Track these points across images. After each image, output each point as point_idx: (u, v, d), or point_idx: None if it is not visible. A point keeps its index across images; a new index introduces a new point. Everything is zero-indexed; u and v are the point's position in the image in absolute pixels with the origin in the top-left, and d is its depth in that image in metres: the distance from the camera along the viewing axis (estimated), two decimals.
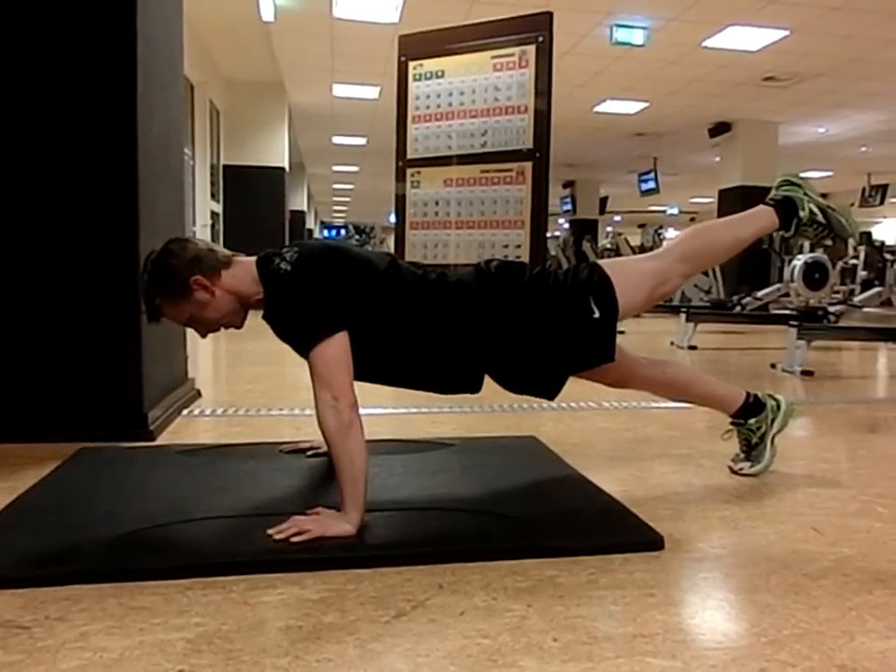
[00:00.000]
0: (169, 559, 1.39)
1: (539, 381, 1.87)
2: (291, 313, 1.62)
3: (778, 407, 2.07)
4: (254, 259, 1.71)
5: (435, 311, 1.74)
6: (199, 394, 3.18)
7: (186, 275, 1.63)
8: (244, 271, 1.69)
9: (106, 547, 1.43)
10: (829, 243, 2.05)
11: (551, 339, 1.78)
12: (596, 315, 1.76)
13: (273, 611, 1.21)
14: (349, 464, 1.51)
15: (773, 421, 2.06)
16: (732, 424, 2.08)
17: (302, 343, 1.60)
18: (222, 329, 1.75)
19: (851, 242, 2.11)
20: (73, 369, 2.39)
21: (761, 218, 2.00)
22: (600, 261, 1.91)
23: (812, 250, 7.63)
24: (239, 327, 1.75)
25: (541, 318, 1.77)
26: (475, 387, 1.82)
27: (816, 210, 1.99)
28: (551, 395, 1.88)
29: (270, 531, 1.46)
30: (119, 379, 2.42)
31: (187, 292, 1.64)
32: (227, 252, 1.74)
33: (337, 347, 1.58)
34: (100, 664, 1.05)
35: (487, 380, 1.85)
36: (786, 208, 1.99)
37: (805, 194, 2.00)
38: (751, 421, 2.05)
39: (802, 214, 1.98)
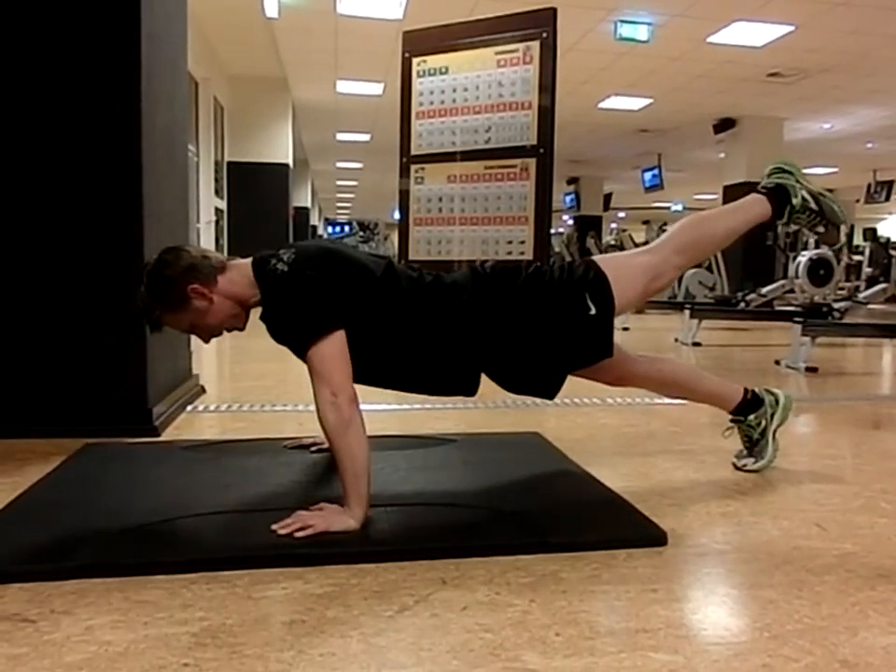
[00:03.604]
0: (173, 554, 1.40)
1: (538, 380, 1.86)
2: (288, 313, 1.62)
3: (777, 401, 2.08)
4: (249, 260, 1.71)
5: (431, 313, 1.74)
6: (203, 390, 3.19)
7: (182, 284, 1.63)
8: (240, 274, 1.69)
9: (111, 542, 1.44)
10: (821, 230, 2.05)
11: (548, 337, 1.77)
12: (593, 311, 1.76)
13: (277, 606, 1.22)
14: (350, 460, 1.51)
15: (772, 416, 2.06)
16: (731, 421, 2.09)
17: (299, 342, 1.59)
18: (225, 333, 1.75)
19: (843, 228, 2.09)
20: (78, 364, 2.40)
21: (754, 207, 2.00)
22: (595, 258, 1.90)
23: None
24: (242, 328, 1.75)
25: (538, 316, 1.76)
26: (472, 390, 1.81)
27: (808, 197, 1.99)
28: (550, 394, 1.86)
29: (274, 526, 1.47)
30: (124, 375, 2.43)
31: (185, 301, 1.64)
32: (221, 257, 1.74)
33: (334, 344, 1.57)
34: (105, 657, 1.05)
35: (486, 379, 1.85)
36: (778, 196, 1.99)
37: (798, 181, 2.00)
38: (751, 417, 2.05)
39: (794, 201, 1.97)
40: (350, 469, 1.51)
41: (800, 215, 1.99)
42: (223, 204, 9.07)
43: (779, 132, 10.53)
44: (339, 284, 1.64)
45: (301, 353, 1.60)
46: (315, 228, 18.57)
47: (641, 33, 6.73)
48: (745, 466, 2.08)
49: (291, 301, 1.62)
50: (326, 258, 1.68)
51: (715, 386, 2.11)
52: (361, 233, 14.28)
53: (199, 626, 1.14)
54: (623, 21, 6.62)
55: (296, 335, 1.61)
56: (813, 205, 2.00)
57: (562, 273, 1.82)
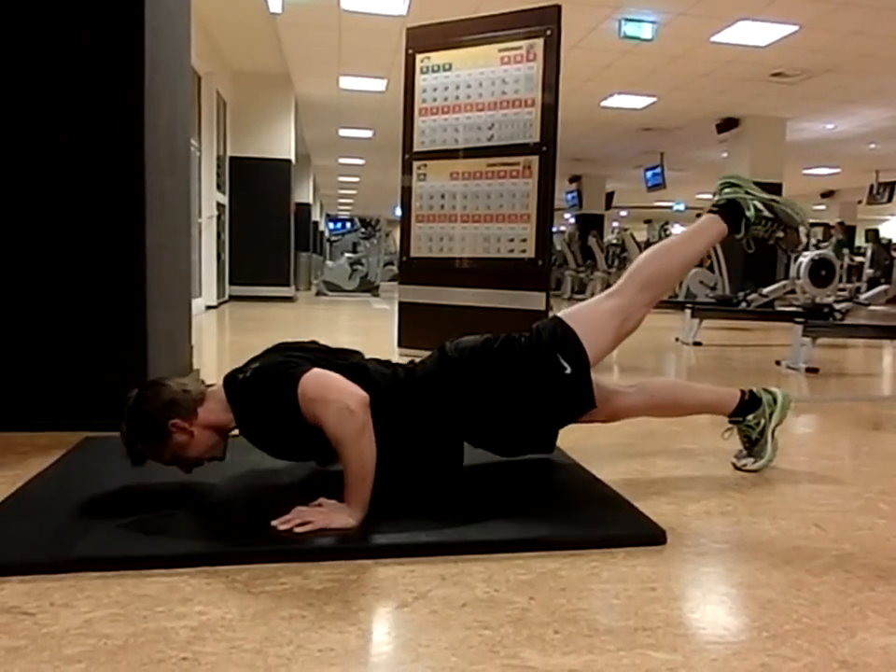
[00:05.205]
0: (173, 548, 1.40)
1: (532, 444, 1.93)
2: (261, 397, 1.60)
3: (775, 401, 2.07)
4: (222, 383, 1.70)
5: (409, 408, 1.74)
6: None
7: (163, 421, 1.62)
8: (215, 401, 1.68)
9: (111, 535, 1.44)
10: (781, 234, 2.07)
11: (529, 405, 1.79)
12: (568, 370, 1.77)
13: (277, 601, 1.22)
14: (360, 465, 1.50)
15: (771, 415, 2.06)
16: (730, 422, 2.09)
17: (284, 399, 1.54)
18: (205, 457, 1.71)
19: (803, 229, 2.11)
20: (78, 358, 2.40)
21: (709, 228, 2.02)
22: (560, 313, 1.91)
23: (767, 244, 7.60)
24: (221, 458, 1.73)
25: (516, 387, 1.78)
26: (455, 471, 1.84)
27: (761, 206, 2.00)
28: (548, 451, 1.96)
29: (273, 522, 1.47)
30: (125, 369, 2.42)
31: (165, 436, 1.63)
32: (201, 387, 1.73)
33: (317, 372, 1.57)
34: (104, 650, 1.05)
35: None
36: (731, 211, 2.00)
37: (747, 192, 2.01)
38: (749, 417, 2.05)
39: (748, 213, 1.99)
40: (358, 473, 1.50)
41: (756, 226, 2.00)
42: (225, 200, 9.06)
43: (782, 132, 10.50)
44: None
45: (293, 414, 1.54)
46: (316, 224, 18.54)
47: (645, 31, 6.72)
48: (744, 466, 2.08)
49: (261, 388, 1.60)
50: (293, 356, 1.68)
51: (710, 396, 2.12)
52: (363, 230, 14.27)
53: (198, 620, 1.15)
54: (627, 20, 6.61)
55: (278, 401, 1.56)
56: (767, 213, 2.01)
57: (530, 337, 1.84)
